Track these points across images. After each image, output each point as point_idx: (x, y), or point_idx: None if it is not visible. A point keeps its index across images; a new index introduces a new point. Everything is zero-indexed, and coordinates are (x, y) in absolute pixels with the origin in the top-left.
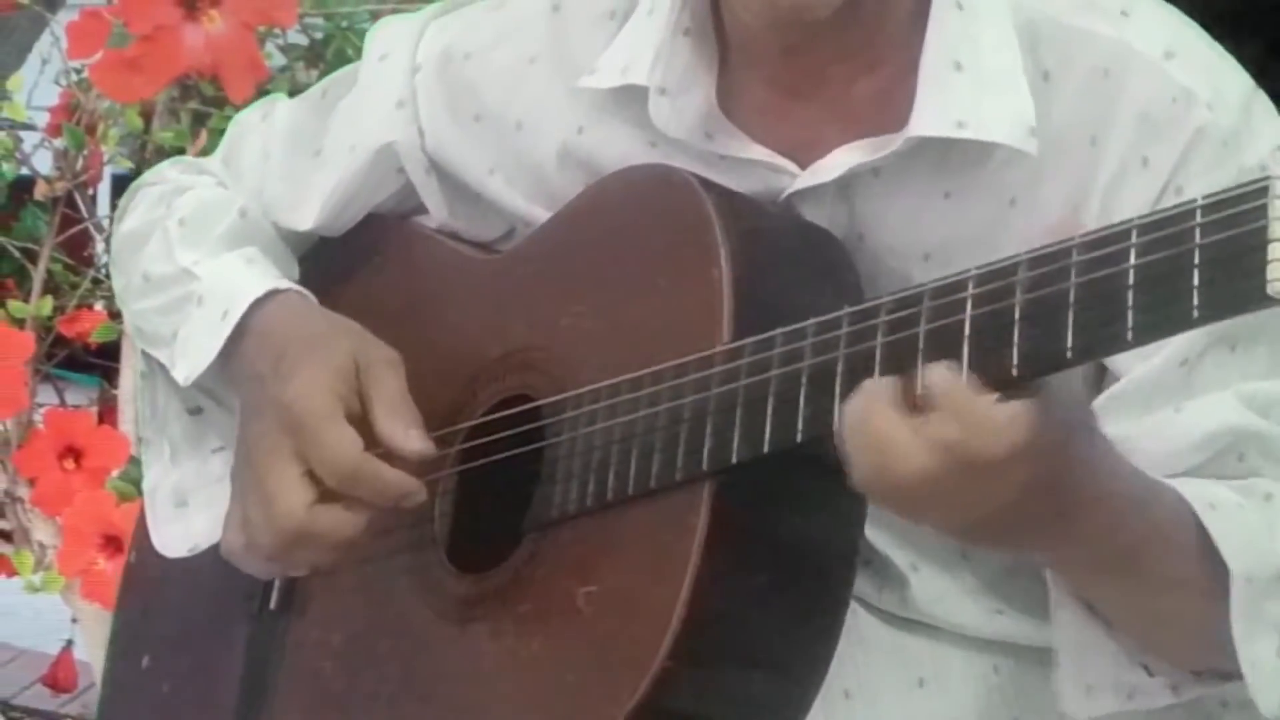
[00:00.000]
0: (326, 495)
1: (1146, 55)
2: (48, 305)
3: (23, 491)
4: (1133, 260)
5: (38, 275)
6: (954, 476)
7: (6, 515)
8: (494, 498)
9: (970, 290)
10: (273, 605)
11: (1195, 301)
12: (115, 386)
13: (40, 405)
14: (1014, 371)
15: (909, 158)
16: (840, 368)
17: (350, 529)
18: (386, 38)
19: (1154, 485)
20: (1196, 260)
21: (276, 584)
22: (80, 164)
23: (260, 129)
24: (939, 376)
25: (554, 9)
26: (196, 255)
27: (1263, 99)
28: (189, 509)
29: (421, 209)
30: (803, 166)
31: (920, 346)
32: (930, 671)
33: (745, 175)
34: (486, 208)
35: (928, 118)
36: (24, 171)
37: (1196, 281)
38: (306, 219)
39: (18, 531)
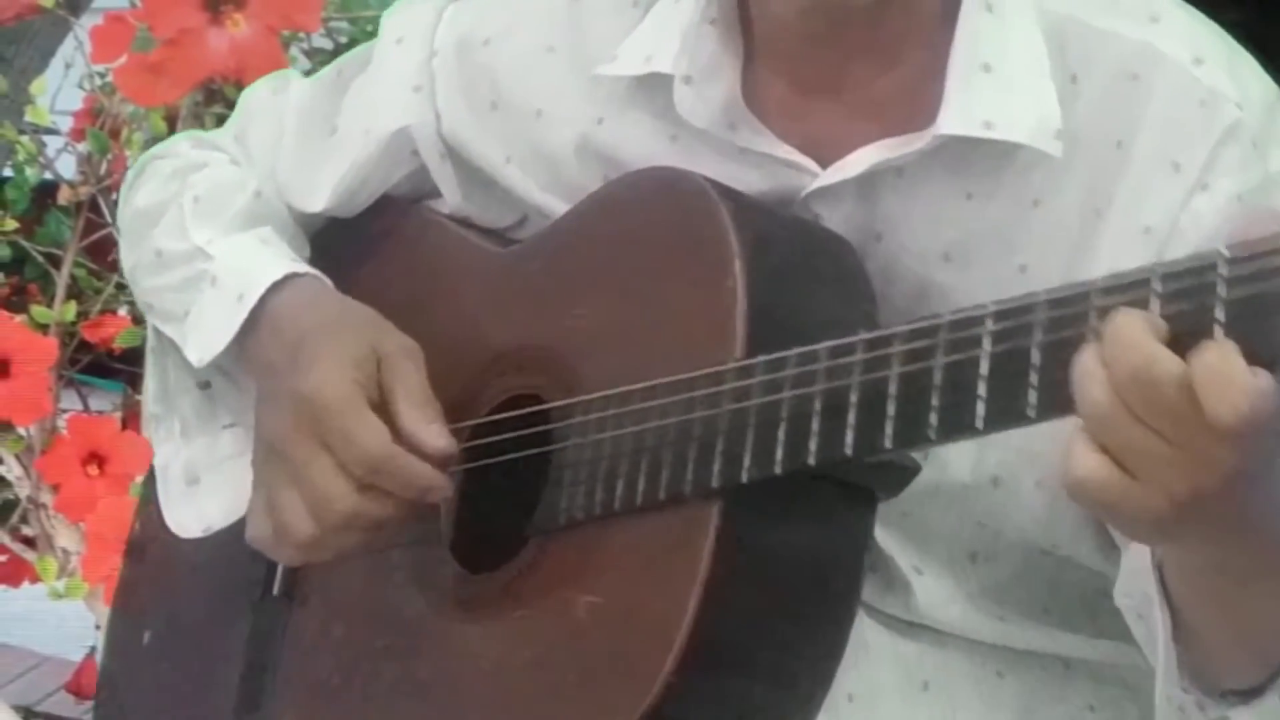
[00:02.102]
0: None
1: (1174, 59)
2: (71, 310)
3: (46, 498)
4: (1157, 310)
5: (61, 280)
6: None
7: (30, 521)
8: (498, 496)
9: (989, 327)
10: (275, 592)
11: None
12: (139, 392)
13: (64, 411)
14: (1030, 414)
15: (932, 157)
16: (854, 396)
17: (383, 518)
18: (403, 20)
19: None
20: (1222, 318)
21: (279, 571)
22: (104, 169)
23: (272, 106)
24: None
25: None
26: (210, 234)
27: None
28: (201, 487)
29: (435, 193)
30: (823, 164)
31: (936, 382)
32: (934, 676)
33: (766, 170)
34: (501, 195)
35: (956, 117)
36: (47, 176)
37: (1217, 337)
38: (319, 201)
39: (41, 538)
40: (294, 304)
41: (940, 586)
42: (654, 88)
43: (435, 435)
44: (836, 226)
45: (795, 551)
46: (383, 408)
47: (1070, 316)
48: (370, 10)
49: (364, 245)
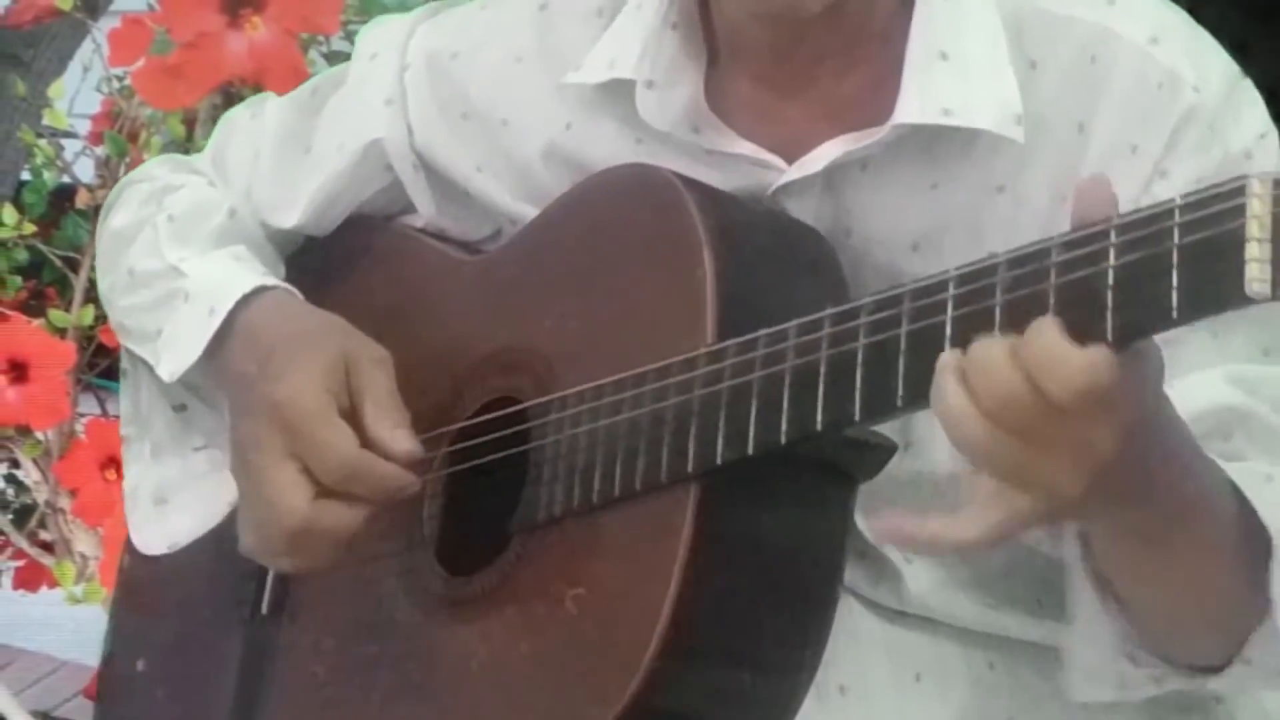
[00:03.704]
0: (323, 493)
1: (1131, 40)
2: (89, 314)
3: (64, 502)
4: (1112, 260)
5: (79, 284)
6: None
7: (48, 526)
8: (482, 500)
9: (951, 291)
10: (264, 609)
11: (1175, 302)
12: None
13: (82, 415)
14: None
15: (895, 149)
16: (822, 369)
17: (352, 523)
18: (377, 37)
19: (1198, 447)
20: (1175, 260)
21: (268, 588)
22: (122, 172)
23: (249, 128)
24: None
25: (541, 7)
26: (184, 253)
27: (1247, 85)
28: (169, 506)
29: (409, 210)
30: (790, 162)
31: (901, 348)
32: (926, 666)
33: (732, 170)
34: (474, 206)
35: (913, 106)
36: (65, 180)
37: (1175, 281)
38: (293, 216)
39: (59, 543)
40: (264, 315)
41: (931, 576)
42: (618, 93)
43: (400, 439)
44: (806, 221)
45: (775, 534)
46: (353, 415)
47: (1031, 274)
48: (389, 13)
49: (338, 261)
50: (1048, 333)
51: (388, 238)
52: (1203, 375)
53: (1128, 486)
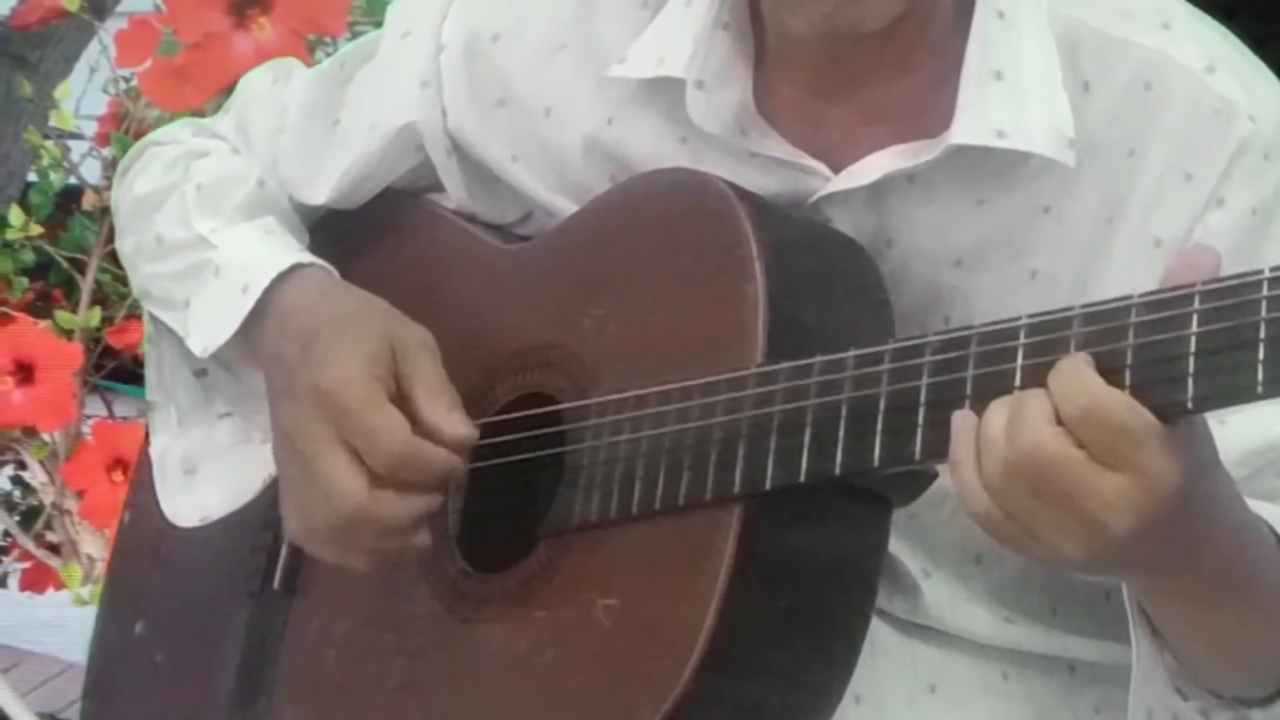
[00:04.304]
0: (376, 482)
1: (1187, 68)
2: (96, 316)
3: (71, 504)
4: (1194, 328)
5: (86, 286)
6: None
7: (55, 528)
8: (508, 496)
9: (1022, 339)
10: (276, 585)
11: (1260, 376)
12: None
13: (88, 417)
14: None
15: (944, 165)
16: (882, 405)
17: (405, 513)
18: (409, 13)
19: (1250, 510)
20: (1263, 334)
21: (280, 563)
22: None
23: (272, 95)
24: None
25: None
26: (214, 223)
27: None
28: (197, 476)
29: (435, 186)
30: (834, 169)
31: (967, 392)
32: (941, 678)
33: (776, 174)
34: (505, 192)
35: (968, 126)
36: (72, 181)
37: (1262, 356)
38: (321, 193)
39: (66, 544)
40: (301, 296)
41: (948, 588)
42: (664, 90)
43: (456, 424)
44: (847, 231)
45: (814, 558)
46: (401, 400)
47: (1108, 331)
48: None
49: (367, 237)
50: (1075, 363)
51: (418, 216)
52: (1261, 411)
53: (1166, 558)
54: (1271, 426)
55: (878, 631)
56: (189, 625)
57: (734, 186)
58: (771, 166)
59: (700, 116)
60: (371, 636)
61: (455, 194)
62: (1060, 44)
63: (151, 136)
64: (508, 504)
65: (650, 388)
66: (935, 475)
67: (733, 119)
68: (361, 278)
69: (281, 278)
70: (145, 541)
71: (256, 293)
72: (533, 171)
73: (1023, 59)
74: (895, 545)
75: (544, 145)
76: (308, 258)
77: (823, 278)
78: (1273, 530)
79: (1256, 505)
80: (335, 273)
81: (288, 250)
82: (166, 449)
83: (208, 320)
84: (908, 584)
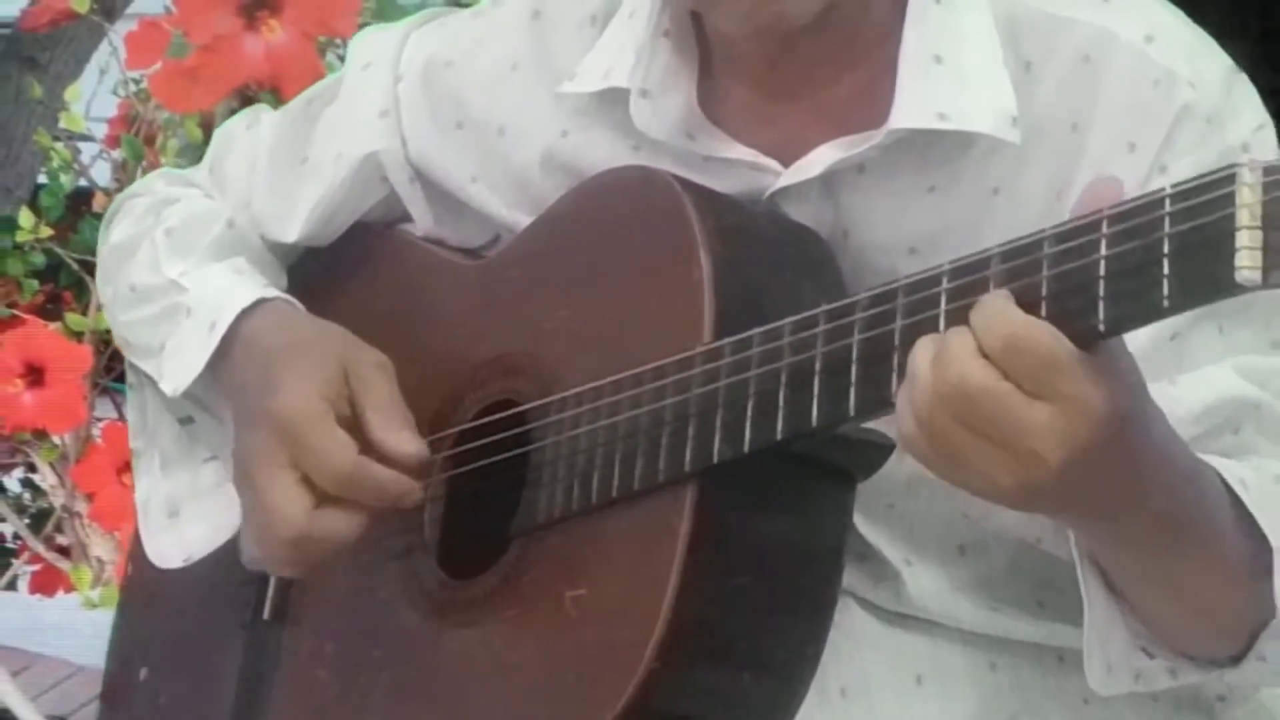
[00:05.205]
0: (324, 500)
1: (1127, 40)
2: (106, 318)
3: (81, 506)
4: (1103, 251)
5: (96, 288)
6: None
7: (65, 530)
8: (482, 503)
9: (944, 285)
10: (266, 615)
11: (1166, 291)
12: None
13: (98, 419)
14: None
15: (892, 153)
16: (818, 366)
17: (349, 531)
18: (369, 47)
19: (1197, 458)
20: (1166, 250)
21: (270, 593)
22: (139, 175)
23: (245, 139)
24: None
25: (534, 15)
26: (184, 266)
27: (1243, 79)
28: (181, 519)
29: (407, 218)
30: (786, 166)
31: (896, 343)
32: (928, 668)
33: (728, 175)
34: (470, 215)
35: (909, 110)
36: (82, 183)
37: (1167, 271)
38: (294, 230)
39: (76, 547)
40: (264, 326)
41: (931, 577)
42: (614, 101)
43: (405, 442)
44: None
45: (774, 533)
46: (354, 422)
47: (1024, 266)
48: (407, 15)
49: (338, 269)
50: (996, 297)
51: (387, 244)
52: (1212, 369)
53: (1105, 493)
54: (1223, 384)
55: (862, 622)
56: (187, 663)
57: (679, 178)
58: (723, 168)
59: (645, 124)
60: (359, 652)
61: (422, 221)
62: (1000, 25)
63: (128, 190)
64: (482, 511)
65: (606, 380)
66: (892, 445)
67: (679, 124)
68: (332, 308)
69: (246, 312)
70: (144, 589)
71: (222, 329)
72: (494, 190)
73: (962, 41)
74: (876, 536)
75: (503, 163)
76: (271, 292)
77: (771, 260)
78: (1225, 482)
79: (1213, 460)
80: (299, 305)
81: (253, 286)
82: (150, 494)
83: (179, 360)
84: (890, 573)
